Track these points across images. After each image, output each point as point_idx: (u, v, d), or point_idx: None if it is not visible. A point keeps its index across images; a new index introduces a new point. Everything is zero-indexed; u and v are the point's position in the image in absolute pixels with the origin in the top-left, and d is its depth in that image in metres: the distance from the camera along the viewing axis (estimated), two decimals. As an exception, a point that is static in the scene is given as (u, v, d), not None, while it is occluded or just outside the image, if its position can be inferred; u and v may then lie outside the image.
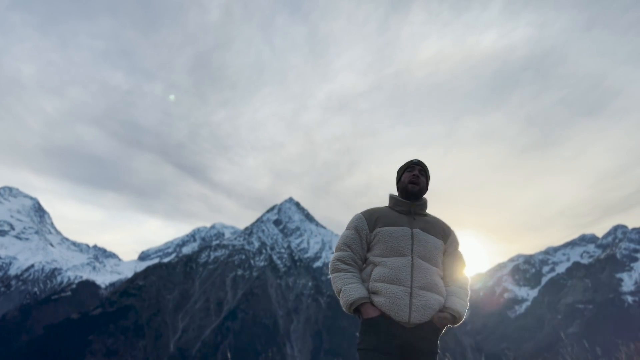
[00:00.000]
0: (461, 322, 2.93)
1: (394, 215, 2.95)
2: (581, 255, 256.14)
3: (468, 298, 3.01)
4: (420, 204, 3.02)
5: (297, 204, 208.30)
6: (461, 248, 3.10)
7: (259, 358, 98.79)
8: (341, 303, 2.85)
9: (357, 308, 2.81)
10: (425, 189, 3.08)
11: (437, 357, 2.83)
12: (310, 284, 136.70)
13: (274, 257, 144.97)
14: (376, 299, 2.75)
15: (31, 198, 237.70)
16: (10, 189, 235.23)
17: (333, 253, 3.03)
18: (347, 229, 2.99)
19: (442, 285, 2.89)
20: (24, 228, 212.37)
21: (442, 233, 3.00)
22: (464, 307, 2.91)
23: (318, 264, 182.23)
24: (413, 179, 3.00)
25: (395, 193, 3.17)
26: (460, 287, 2.98)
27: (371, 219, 2.93)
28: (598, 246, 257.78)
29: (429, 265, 2.83)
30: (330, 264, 2.97)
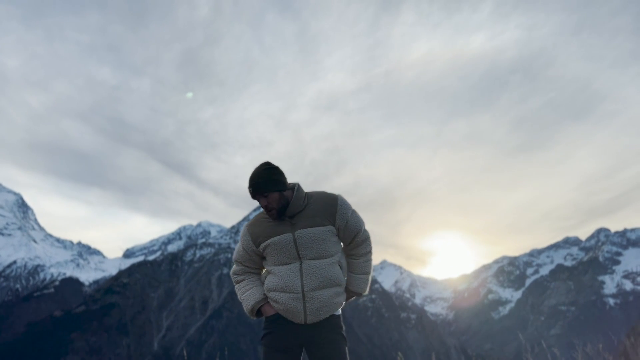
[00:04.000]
0: (365, 292, 3.01)
1: (274, 223, 2.85)
2: (565, 258, 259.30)
3: (370, 261, 3.04)
4: (292, 207, 2.83)
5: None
6: (352, 211, 2.92)
7: (244, 357, 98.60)
8: (246, 313, 2.95)
9: (259, 311, 2.91)
10: (283, 192, 2.82)
11: (343, 343, 2.86)
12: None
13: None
14: (273, 305, 2.83)
15: (15, 193, 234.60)
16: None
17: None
18: (240, 242, 3.00)
19: (339, 273, 2.85)
20: (7, 224, 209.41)
21: (328, 216, 2.84)
22: (363, 282, 3.00)
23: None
24: (266, 209, 2.84)
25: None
26: (359, 256, 3.00)
27: (254, 234, 2.89)
28: (581, 249, 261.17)
29: (321, 262, 2.79)
30: None
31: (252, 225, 2.94)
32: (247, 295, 2.91)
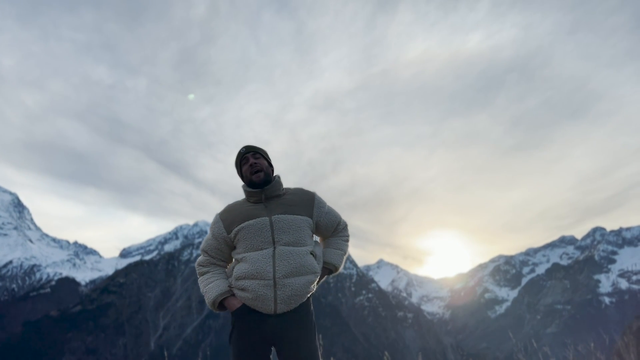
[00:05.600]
0: (339, 270, 3.01)
1: (250, 207, 2.87)
2: (560, 257, 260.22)
3: (347, 242, 3.09)
4: (272, 187, 2.91)
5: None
6: (328, 206, 3.03)
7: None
8: (208, 306, 2.86)
9: (223, 304, 2.81)
10: (270, 169, 2.99)
11: (314, 336, 2.80)
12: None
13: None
14: (241, 295, 2.74)
15: (10, 193, 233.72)
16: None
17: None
18: (209, 231, 2.95)
19: (313, 261, 2.81)
20: (3, 224, 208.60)
21: (305, 207, 2.91)
22: (339, 256, 2.99)
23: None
24: (252, 168, 2.90)
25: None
26: (337, 237, 3.06)
27: (227, 220, 2.86)
28: (577, 248, 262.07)
29: (295, 249, 2.76)
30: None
31: (225, 212, 2.93)
32: (210, 287, 2.82)
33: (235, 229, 2.81)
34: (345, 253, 3.05)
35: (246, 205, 2.90)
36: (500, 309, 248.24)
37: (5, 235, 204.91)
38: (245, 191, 2.97)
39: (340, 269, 3.01)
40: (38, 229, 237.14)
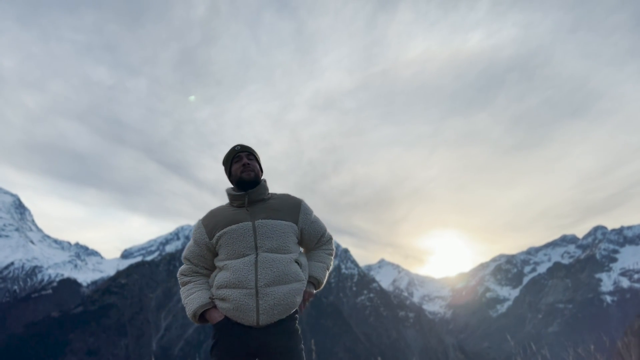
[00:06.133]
0: (322, 285, 2.85)
1: (233, 212, 2.75)
2: (562, 256, 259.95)
3: (331, 256, 2.96)
4: (257, 191, 2.79)
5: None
6: (314, 214, 2.92)
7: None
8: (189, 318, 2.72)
9: (204, 317, 2.69)
10: (260, 171, 2.89)
11: (300, 350, 2.67)
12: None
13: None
14: (222, 305, 2.60)
15: (12, 194, 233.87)
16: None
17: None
18: (192, 237, 2.83)
19: (298, 269, 2.68)
20: (4, 225, 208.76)
21: (290, 213, 2.79)
22: (322, 270, 2.84)
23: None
24: (244, 167, 2.80)
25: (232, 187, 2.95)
26: (321, 250, 2.94)
27: (210, 225, 2.75)
28: (578, 247, 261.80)
29: (278, 256, 2.63)
30: None
31: (207, 217, 2.81)
32: (190, 298, 2.68)
33: (218, 234, 2.69)
34: (328, 267, 2.91)
35: (229, 210, 2.78)
36: (502, 308, 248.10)
37: (6, 236, 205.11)
38: (228, 195, 2.84)
39: (323, 285, 2.86)
40: (39, 230, 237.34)
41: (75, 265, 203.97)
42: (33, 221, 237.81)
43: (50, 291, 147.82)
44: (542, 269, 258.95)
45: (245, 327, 2.57)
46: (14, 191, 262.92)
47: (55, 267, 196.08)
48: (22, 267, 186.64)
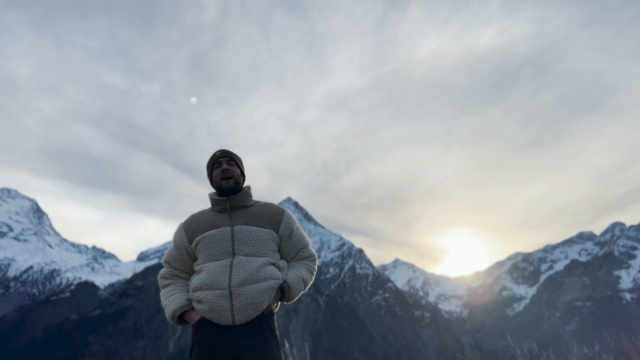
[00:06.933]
0: (292, 295, 2.71)
1: (213, 217, 2.76)
2: (579, 253, 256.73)
3: (310, 271, 2.86)
4: (238, 197, 2.79)
5: (296, 204, 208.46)
6: (298, 226, 2.88)
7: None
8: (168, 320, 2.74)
9: (183, 318, 2.71)
10: (242, 177, 2.90)
11: (278, 349, 2.66)
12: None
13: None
14: (198, 307, 2.61)
15: (29, 199, 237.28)
16: (8, 190, 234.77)
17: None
18: (172, 241, 2.85)
19: (274, 268, 2.67)
20: (23, 229, 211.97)
21: (272, 221, 2.78)
22: (297, 278, 2.73)
23: (317, 263, 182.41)
24: (224, 174, 2.79)
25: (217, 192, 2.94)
26: (301, 263, 2.86)
27: (190, 229, 2.76)
28: (596, 244, 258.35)
29: (254, 259, 2.63)
30: None
31: (188, 222, 2.83)
32: (170, 300, 2.71)
33: (197, 239, 2.71)
34: (304, 280, 2.78)
35: (210, 215, 2.79)
36: (519, 307, 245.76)
37: (25, 241, 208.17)
38: (210, 199, 2.84)
39: (292, 296, 2.71)
40: (57, 234, 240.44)
41: (93, 269, 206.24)
42: (51, 225, 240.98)
43: (68, 294, 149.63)
44: (559, 266, 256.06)
45: (223, 327, 2.56)
46: (31, 196, 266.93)
47: (73, 270, 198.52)
48: (41, 270, 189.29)
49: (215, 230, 2.67)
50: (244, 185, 2.91)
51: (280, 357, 2.63)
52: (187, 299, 2.68)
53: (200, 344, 2.59)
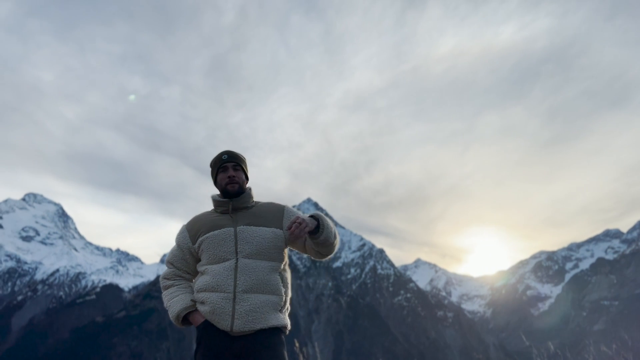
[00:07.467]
0: (322, 232, 2.68)
1: (216, 218, 2.78)
2: (605, 251, 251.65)
3: (336, 237, 2.84)
4: (241, 199, 2.81)
5: (316, 204, 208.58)
6: (300, 214, 2.80)
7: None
8: (172, 321, 2.77)
9: (188, 319, 2.72)
10: (246, 181, 2.91)
11: (283, 356, 2.57)
12: (330, 284, 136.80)
13: (294, 258, 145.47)
14: (201, 308, 2.63)
15: (55, 204, 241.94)
16: (34, 195, 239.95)
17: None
18: (175, 241, 2.87)
19: (278, 281, 2.67)
20: (49, 233, 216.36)
21: (274, 219, 2.79)
22: (328, 223, 2.74)
23: (338, 264, 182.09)
24: (230, 180, 2.81)
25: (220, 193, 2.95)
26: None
27: (193, 230, 2.79)
28: (623, 241, 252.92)
29: (259, 263, 2.63)
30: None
31: (191, 223, 2.86)
32: (174, 301, 2.73)
33: (200, 239, 2.72)
34: (334, 236, 2.80)
35: (213, 216, 2.82)
36: (544, 306, 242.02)
37: (51, 244, 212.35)
38: (213, 201, 2.87)
39: (323, 227, 2.68)
40: (82, 237, 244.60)
41: (117, 271, 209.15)
42: (76, 229, 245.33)
43: (94, 297, 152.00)
44: (584, 265, 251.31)
45: (222, 334, 2.56)
46: (57, 200, 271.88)
47: (97, 273, 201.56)
48: (67, 273, 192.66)
49: (219, 230, 2.69)
50: (246, 186, 2.93)
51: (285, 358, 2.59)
52: (191, 300, 2.70)
53: (205, 346, 2.59)
